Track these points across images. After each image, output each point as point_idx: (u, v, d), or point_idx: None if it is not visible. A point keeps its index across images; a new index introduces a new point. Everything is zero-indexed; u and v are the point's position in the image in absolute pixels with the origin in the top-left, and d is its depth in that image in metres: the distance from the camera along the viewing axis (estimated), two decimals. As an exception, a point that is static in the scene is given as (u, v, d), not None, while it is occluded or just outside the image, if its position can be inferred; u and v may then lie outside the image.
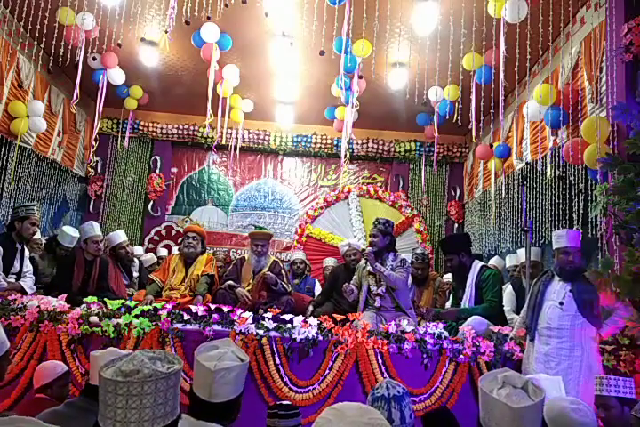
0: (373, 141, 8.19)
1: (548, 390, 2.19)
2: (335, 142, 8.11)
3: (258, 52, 5.89)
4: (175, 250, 6.79)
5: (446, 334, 3.61)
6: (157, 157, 8.12)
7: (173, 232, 7.96)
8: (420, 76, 4.97)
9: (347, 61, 4.96)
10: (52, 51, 4.75)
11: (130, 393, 1.25)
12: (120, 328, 3.50)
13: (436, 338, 3.53)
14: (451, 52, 4.51)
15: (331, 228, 7.75)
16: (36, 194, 6.32)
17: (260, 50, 5.81)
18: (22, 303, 3.67)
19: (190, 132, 8.02)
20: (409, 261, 4.22)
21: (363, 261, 4.25)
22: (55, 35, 4.89)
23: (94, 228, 4.59)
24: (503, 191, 6.25)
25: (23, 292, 4.08)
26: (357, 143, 8.12)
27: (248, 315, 3.67)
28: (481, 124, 5.52)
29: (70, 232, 4.83)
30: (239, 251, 8.02)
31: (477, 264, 4.19)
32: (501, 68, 4.54)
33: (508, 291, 4.85)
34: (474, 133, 5.11)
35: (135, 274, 5.69)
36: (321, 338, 3.49)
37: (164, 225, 8.01)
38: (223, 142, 6.86)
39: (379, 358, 3.45)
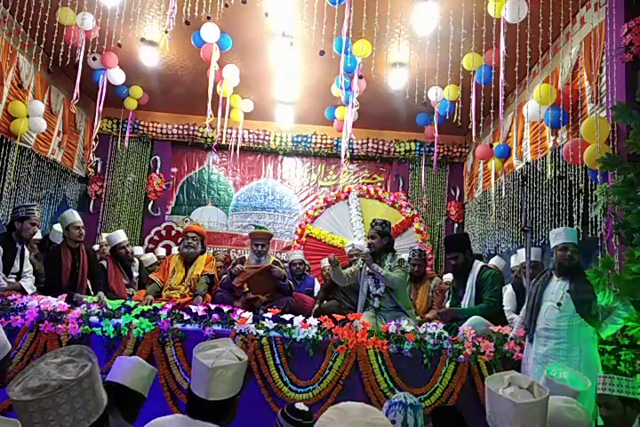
0: (373, 141, 8.19)
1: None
2: (335, 142, 8.12)
3: (258, 52, 5.89)
4: (175, 250, 6.79)
5: (446, 334, 3.60)
6: (157, 157, 8.13)
7: (173, 232, 7.97)
8: (420, 76, 4.97)
9: (347, 61, 4.96)
10: (52, 51, 4.75)
11: (42, 408, 1.23)
12: (120, 328, 3.51)
13: (435, 338, 3.53)
14: (451, 52, 4.51)
15: (331, 228, 7.76)
16: (36, 194, 6.32)
17: (260, 50, 5.81)
18: (22, 303, 3.67)
19: (190, 132, 8.03)
20: (407, 260, 4.22)
21: (360, 261, 4.24)
22: (55, 35, 4.89)
23: (74, 214, 4.57)
24: (503, 191, 6.25)
25: (23, 292, 4.08)
26: (357, 143, 8.12)
27: (248, 315, 3.68)
28: (481, 124, 5.53)
29: (60, 230, 4.83)
30: (239, 251, 8.02)
31: (478, 264, 4.19)
32: (501, 68, 4.54)
33: (508, 291, 4.85)
34: (474, 133, 5.11)
35: (135, 274, 5.69)
36: (321, 338, 3.49)
37: (164, 225, 8.02)
38: (223, 142, 6.87)
39: (379, 358, 3.45)
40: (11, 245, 4.17)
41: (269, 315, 3.66)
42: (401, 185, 8.27)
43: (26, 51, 5.45)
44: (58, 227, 4.90)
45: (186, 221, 8.05)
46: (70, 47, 4.98)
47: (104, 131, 7.80)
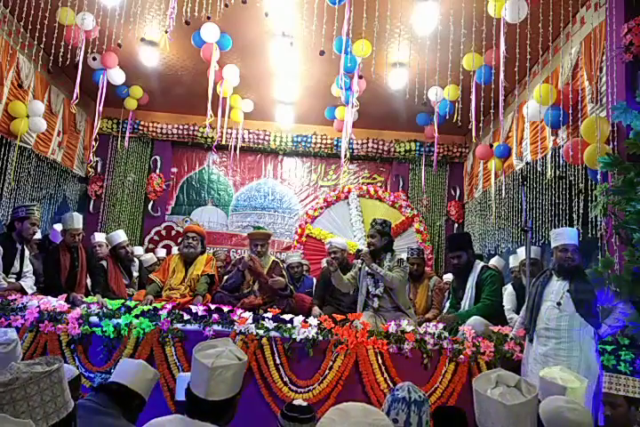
0: (373, 141, 8.19)
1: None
2: (335, 142, 8.11)
3: (258, 52, 5.89)
4: (175, 250, 6.79)
5: (446, 334, 3.60)
6: (157, 157, 8.13)
7: (173, 232, 7.97)
8: (419, 76, 4.97)
9: (347, 61, 4.96)
10: (52, 51, 4.74)
11: (14, 399, 1.31)
12: (120, 328, 3.51)
13: (436, 338, 3.53)
14: (451, 52, 4.50)
15: (331, 228, 7.76)
16: (36, 194, 6.32)
17: (260, 50, 5.81)
18: (22, 303, 3.67)
19: (190, 132, 8.03)
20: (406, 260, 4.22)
21: (359, 261, 4.21)
22: (55, 35, 4.88)
23: (74, 220, 4.57)
24: (503, 191, 6.25)
25: (23, 292, 4.08)
26: (357, 143, 8.12)
27: (248, 315, 3.68)
28: (481, 124, 5.52)
29: (60, 229, 4.84)
30: (239, 251, 8.02)
31: (479, 264, 4.19)
32: (501, 68, 4.54)
33: (508, 291, 4.85)
34: (474, 133, 5.10)
35: (135, 274, 5.69)
36: (321, 338, 3.49)
37: (164, 225, 8.01)
38: (223, 142, 6.86)
39: (379, 358, 3.45)
40: (11, 245, 4.17)
41: (269, 315, 3.66)
42: (401, 185, 8.27)
43: (26, 51, 5.44)
44: (58, 227, 4.91)
45: (186, 221, 8.05)
46: (70, 47, 4.98)
47: (104, 131, 7.80)
